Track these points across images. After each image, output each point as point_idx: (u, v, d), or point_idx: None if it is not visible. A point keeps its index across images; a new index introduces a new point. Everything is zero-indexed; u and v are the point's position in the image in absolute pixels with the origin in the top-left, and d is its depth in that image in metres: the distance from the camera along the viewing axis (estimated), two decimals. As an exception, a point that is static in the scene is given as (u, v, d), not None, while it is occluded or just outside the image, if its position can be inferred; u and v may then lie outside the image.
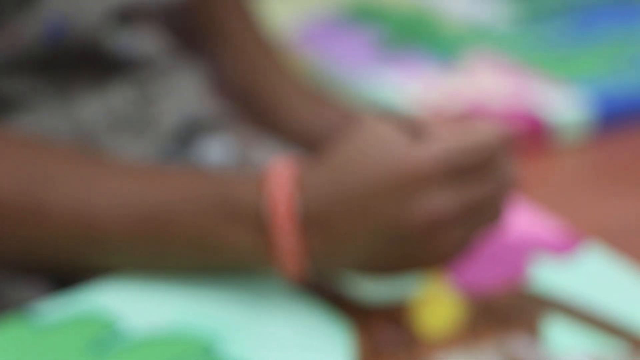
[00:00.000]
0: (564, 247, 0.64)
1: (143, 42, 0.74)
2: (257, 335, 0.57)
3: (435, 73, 1.01)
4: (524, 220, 0.66)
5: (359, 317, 0.59)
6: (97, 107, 0.71)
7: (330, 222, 0.56)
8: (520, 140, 0.89)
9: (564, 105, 0.92)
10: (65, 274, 0.63)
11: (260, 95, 0.84)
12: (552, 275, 0.62)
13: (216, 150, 0.78)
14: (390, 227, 0.55)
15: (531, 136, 0.90)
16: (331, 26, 1.14)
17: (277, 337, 0.57)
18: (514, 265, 0.62)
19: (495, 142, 0.56)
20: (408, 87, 0.98)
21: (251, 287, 0.61)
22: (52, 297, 0.64)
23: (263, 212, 0.57)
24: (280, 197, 0.57)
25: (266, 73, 0.84)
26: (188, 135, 0.77)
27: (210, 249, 0.60)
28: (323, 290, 0.61)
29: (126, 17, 0.71)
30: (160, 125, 0.75)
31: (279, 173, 0.58)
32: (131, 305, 0.60)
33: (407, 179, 0.55)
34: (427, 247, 0.56)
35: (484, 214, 0.57)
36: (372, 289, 0.61)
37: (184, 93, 0.78)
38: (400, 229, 0.55)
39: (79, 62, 0.70)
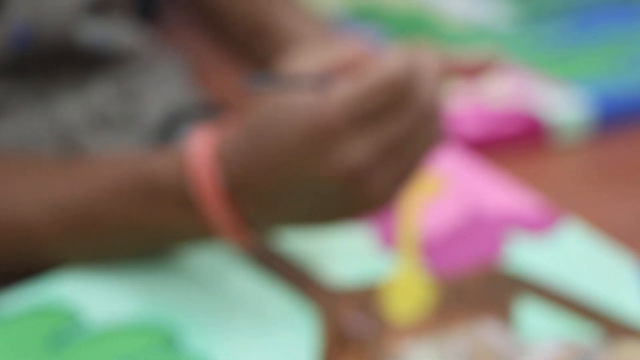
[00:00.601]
0: (541, 224, 0.63)
1: (119, 34, 0.74)
2: (220, 326, 0.57)
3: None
4: (499, 197, 0.65)
5: (326, 303, 0.58)
6: (76, 107, 0.71)
7: (255, 187, 0.55)
8: (520, 140, 0.89)
9: (563, 105, 0.92)
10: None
11: (268, 30, 0.79)
12: (528, 254, 0.61)
13: None
14: (313, 184, 0.54)
15: (531, 136, 0.90)
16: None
17: (240, 327, 0.57)
18: (490, 244, 0.61)
19: (402, 74, 0.54)
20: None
21: (213, 276, 0.61)
22: (9, 289, 0.63)
23: (187, 189, 0.56)
24: (202, 172, 0.56)
25: (274, 8, 0.80)
26: (172, 127, 0.76)
27: (143, 234, 0.59)
28: (289, 275, 0.60)
29: (97, 10, 0.70)
30: (144, 119, 0.74)
31: (197, 147, 0.57)
32: (92, 296, 0.59)
33: (317, 136, 0.53)
34: (357, 197, 0.54)
35: (409, 149, 0.55)
36: (341, 272, 0.60)
37: (166, 85, 0.77)
38: (323, 185, 0.54)
39: (55, 62, 0.69)
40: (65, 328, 0.57)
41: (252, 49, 0.79)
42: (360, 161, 0.53)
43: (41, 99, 0.69)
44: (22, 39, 0.65)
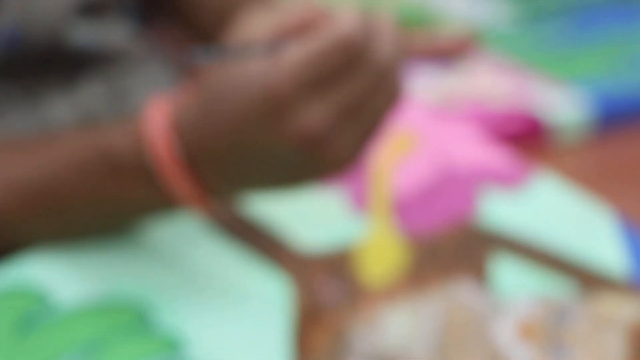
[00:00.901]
0: (513, 178, 0.62)
1: (109, 35, 0.73)
2: (191, 300, 0.56)
3: (435, 73, 1.01)
4: (470, 152, 0.64)
5: (299, 270, 0.57)
6: (65, 106, 0.70)
7: (213, 154, 0.55)
8: (520, 140, 0.89)
9: (563, 105, 0.92)
10: None
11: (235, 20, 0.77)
12: (501, 208, 0.60)
13: None
14: (271, 151, 0.53)
15: (531, 136, 0.90)
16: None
17: (211, 300, 0.56)
18: (463, 200, 0.61)
19: (356, 34, 0.52)
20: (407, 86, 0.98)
21: (181, 249, 0.60)
22: None
23: (146, 160, 0.56)
24: (158, 142, 0.55)
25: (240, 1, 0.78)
26: None
27: (106, 209, 0.59)
28: (259, 243, 0.60)
29: (88, 11, 0.70)
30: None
31: (153, 117, 0.56)
32: (60, 277, 0.58)
33: (269, 103, 0.52)
34: (318, 161, 0.53)
35: (368, 110, 0.54)
36: (312, 237, 0.59)
37: (155, 85, 0.77)
38: (281, 151, 0.53)
39: (45, 63, 0.69)
40: (35, 310, 0.56)
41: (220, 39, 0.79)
42: (316, 125, 0.52)
43: (30, 98, 0.69)
44: (12, 40, 0.65)
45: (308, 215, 0.59)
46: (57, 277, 0.58)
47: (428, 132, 0.65)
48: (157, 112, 0.57)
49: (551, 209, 0.60)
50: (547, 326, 0.52)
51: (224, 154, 0.55)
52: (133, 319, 0.56)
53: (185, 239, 0.61)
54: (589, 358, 0.50)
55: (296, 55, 0.53)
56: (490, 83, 0.98)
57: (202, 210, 0.57)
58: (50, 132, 0.62)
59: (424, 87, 0.97)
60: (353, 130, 0.54)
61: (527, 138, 0.89)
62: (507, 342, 0.52)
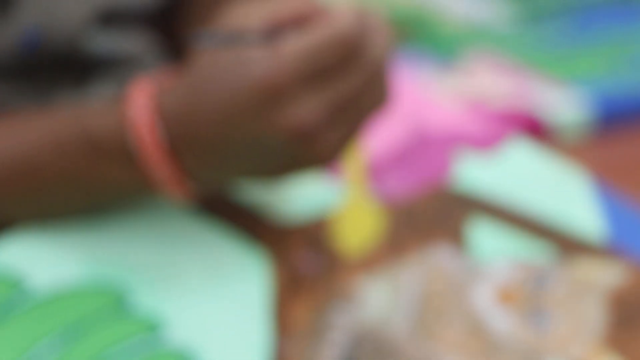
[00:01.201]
0: (488, 141, 0.61)
1: (125, 42, 0.73)
2: (169, 280, 0.56)
3: (435, 73, 1.01)
4: (444, 116, 0.64)
5: (276, 242, 0.57)
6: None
7: (197, 140, 0.54)
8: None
9: (563, 105, 0.92)
10: None
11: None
12: (476, 172, 0.59)
13: None
14: (258, 141, 0.53)
15: (530, 136, 0.90)
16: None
17: (190, 278, 0.56)
18: (438, 164, 0.60)
19: (351, 31, 0.53)
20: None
21: (157, 228, 0.60)
22: None
23: (127, 142, 0.56)
24: (141, 124, 0.55)
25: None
26: None
27: (85, 188, 0.58)
28: (235, 216, 0.59)
29: (106, 21, 0.70)
30: None
31: (137, 99, 0.56)
32: (35, 262, 0.58)
33: (265, 93, 0.52)
34: (304, 155, 0.53)
35: (357, 108, 0.54)
36: (287, 206, 0.59)
37: None
38: (269, 143, 0.53)
39: (59, 66, 0.69)
40: (11, 296, 0.56)
41: None
42: (309, 119, 0.52)
43: (42, 98, 0.69)
44: (31, 43, 0.65)
45: (282, 186, 0.59)
46: (33, 261, 0.58)
47: (401, 96, 0.65)
48: (141, 93, 0.56)
49: (526, 173, 0.60)
50: (526, 291, 0.53)
51: (209, 141, 0.54)
52: (111, 301, 0.56)
53: (161, 217, 0.60)
54: (568, 322, 0.51)
55: (296, 46, 0.53)
56: (490, 83, 0.98)
57: (180, 195, 0.57)
58: (31, 111, 0.62)
59: (424, 87, 0.97)
60: (342, 126, 0.54)
61: (527, 138, 0.89)
62: (486, 307, 0.52)
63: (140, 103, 0.55)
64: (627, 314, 0.51)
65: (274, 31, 0.55)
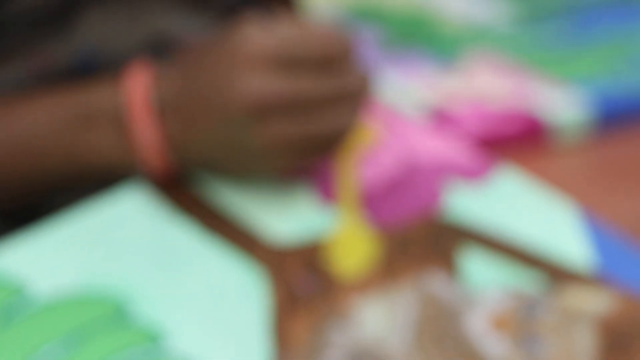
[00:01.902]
0: (477, 171, 0.62)
1: None
2: (169, 292, 0.56)
3: (435, 73, 1.01)
4: (433, 145, 0.65)
5: (273, 263, 0.58)
6: None
7: (180, 108, 0.57)
8: (520, 139, 0.89)
9: (563, 105, 0.92)
10: None
11: None
12: (467, 201, 0.60)
13: None
14: (220, 106, 0.56)
15: (531, 136, 0.90)
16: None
17: (189, 292, 0.57)
18: (428, 193, 0.61)
19: (341, 44, 0.55)
20: (408, 87, 0.98)
21: (158, 242, 0.60)
22: None
23: (121, 108, 0.58)
24: (136, 90, 0.58)
25: None
26: None
27: (78, 161, 0.61)
28: (233, 236, 0.60)
29: (158, 48, 0.71)
30: None
31: (136, 70, 0.59)
32: (37, 269, 0.58)
33: (237, 58, 0.55)
34: (256, 133, 0.56)
35: (322, 117, 0.56)
36: (283, 230, 0.60)
37: None
38: (228, 108, 0.56)
39: None
40: (12, 303, 0.56)
41: None
42: (265, 93, 0.55)
43: None
44: (86, 64, 0.66)
45: (277, 208, 0.60)
46: (34, 268, 0.59)
47: (391, 124, 0.65)
48: (141, 68, 0.59)
49: (515, 203, 0.60)
50: (519, 317, 0.53)
51: (191, 106, 0.57)
52: (112, 310, 0.56)
53: (161, 233, 0.61)
54: (559, 348, 0.51)
55: (282, 31, 0.55)
56: (490, 83, 0.98)
57: (158, 166, 0.59)
58: (28, 91, 0.63)
59: (424, 87, 0.98)
60: (298, 124, 0.56)
61: (527, 138, 0.90)
62: (480, 333, 0.52)
63: (138, 72, 0.58)
64: (616, 340, 0.51)
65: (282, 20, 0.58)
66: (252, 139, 0.56)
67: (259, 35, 0.56)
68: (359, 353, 0.52)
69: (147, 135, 0.58)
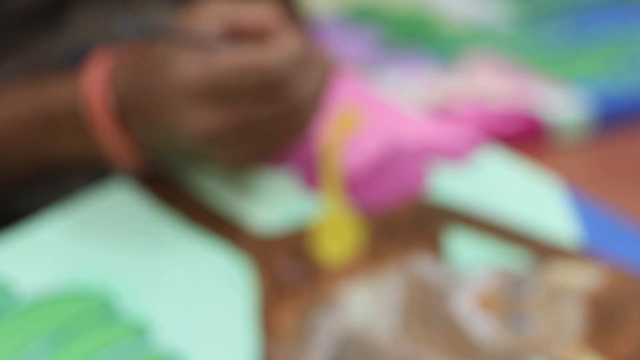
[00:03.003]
0: (461, 152, 0.62)
1: None
2: (154, 285, 0.56)
3: (435, 73, 1.01)
4: (416, 127, 0.65)
5: (258, 251, 0.58)
6: None
7: (141, 110, 0.57)
8: (520, 139, 0.90)
9: (563, 105, 0.92)
10: None
11: None
12: (451, 182, 0.60)
13: None
14: (174, 132, 0.57)
15: (531, 136, 0.90)
16: (331, 27, 1.14)
17: (174, 285, 0.57)
18: (413, 175, 0.61)
19: (279, 67, 0.55)
20: (408, 87, 0.98)
21: (141, 235, 0.60)
22: None
23: (81, 111, 0.58)
24: (94, 93, 0.58)
25: None
26: None
27: (44, 160, 0.61)
28: (218, 226, 0.60)
29: None
30: None
31: (93, 71, 0.59)
32: (21, 268, 0.58)
33: (178, 92, 0.56)
34: (215, 155, 0.57)
35: (272, 132, 0.57)
36: (267, 218, 0.60)
37: None
38: (183, 136, 0.56)
39: None
40: (0, 302, 0.57)
41: None
42: (212, 126, 0.55)
43: None
44: (79, 59, 0.67)
45: (262, 196, 0.60)
46: (19, 267, 0.59)
47: (373, 108, 0.65)
48: (98, 65, 0.59)
49: (499, 182, 0.60)
50: (505, 296, 0.53)
51: (149, 115, 0.57)
52: (97, 306, 0.56)
53: (145, 227, 0.61)
54: (547, 324, 0.52)
55: (224, 61, 0.55)
56: (490, 83, 0.98)
57: (128, 162, 0.59)
58: None
59: (424, 87, 0.98)
60: (251, 142, 0.57)
61: (527, 138, 0.90)
62: (466, 314, 0.52)
63: (95, 74, 0.58)
64: (604, 314, 0.52)
65: (213, 41, 0.57)
66: (213, 157, 0.58)
67: (199, 67, 0.55)
68: (346, 338, 0.52)
69: (112, 139, 0.58)
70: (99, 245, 0.60)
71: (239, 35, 0.57)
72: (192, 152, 0.58)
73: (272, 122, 0.56)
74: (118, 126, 0.58)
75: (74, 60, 0.66)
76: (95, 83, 0.58)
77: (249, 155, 0.57)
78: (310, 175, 0.62)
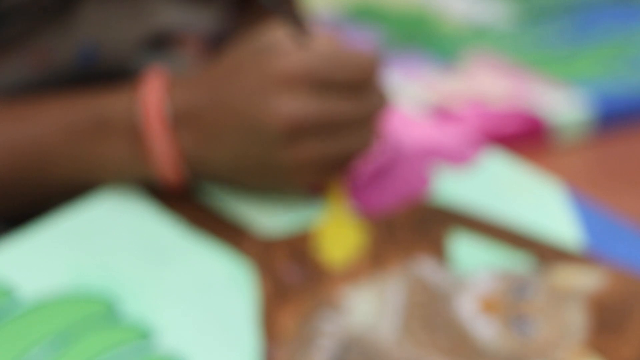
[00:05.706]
0: (463, 155, 0.62)
1: (175, 63, 0.75)
2: (157, 288, 0.56)
3: (435, 73, 1.01)
4: (418, 131, 0.65)
5: (261, 254, 0.58)
6: None
7: (199, 120, 0.57)
8: (520, 139, 0.90)
9: (563, 105, 0.92)
10: None
11: None
12: (454, 186, 0.60)
13: None
14: (252, 124, 0.56)
15: (531, 136, 0.90)
16: (331, 27, 1.14)
17: (178, 287, 0.57)
18: (415, 178, 0.61)
19: (371, 66, 0.56)
20: (408, 87, 0.98)
21: (143, 239, 0.60)
22: None
23: (136, 118, 0.58)
24: (151, 100, 0.58)
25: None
26: None
27: (90, 169, 0.60)
28: (220, 229, 0.60)
29: (159, 44, 0.71)
30: None
31: (151, 79, 0.58)
32: (25, 270, 0.59)
33: (271, 79, 0.55)
34: (287, 153, 0.56)
35: (349, 136, 0.56)
36: (269, 221, 0.60)
37: None
38: (261, 127, 0.55)
39: (108, 80, 0.71)
40: (1, 305, 0.57)
41: None
42: (300, 115, 0.55)
43: None
44: (87, 58, 0.66)
45: (264, 199, 0.60)
46: (22, 270, 0.59)
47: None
48: (156, 75, 0.59)
49: (502, 185, 0.60)
50: (508, 300, 0.53)
51: (210, 120, 0.57)
52: (101, 309, 0.56)
53: (147, 229, 0.61)
54: (550, 327, 0.52)
55: (319, 52, 0.55)
56: (490, 83, 0.98)
57: (171, 176, 0.58)
58: (37, 97, 0.63)
59: (425, 87, 0.98)
60: (328, 144, 0.56)
61: (527, 138, 0.90)
62: (469, 317, 0.53)
63: (153, 81, 0.58)
64: (607, 317, 0.52)
65: (316, 36, 0.57)
66: (281, 158, 0.56)
67: (294, 54, 0.55)
68: (349, 341, 0.52)
69: (161, 148, 0.57)
70: (102, 248, 0.60)
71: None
72: (256, 154, 0.57)
73: (351, 124, 0.56)
74: (169, 132, 0.57)
75: (83, 59, 0.66)
76: (152, 90, 0.58)
77: (322, 156, 0.56)
78: None
